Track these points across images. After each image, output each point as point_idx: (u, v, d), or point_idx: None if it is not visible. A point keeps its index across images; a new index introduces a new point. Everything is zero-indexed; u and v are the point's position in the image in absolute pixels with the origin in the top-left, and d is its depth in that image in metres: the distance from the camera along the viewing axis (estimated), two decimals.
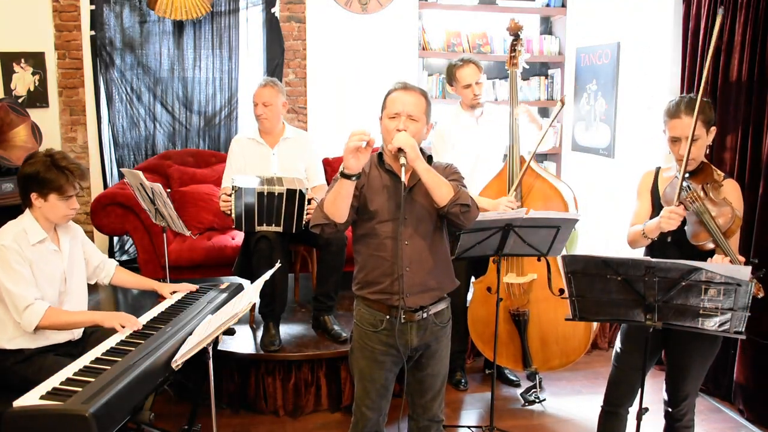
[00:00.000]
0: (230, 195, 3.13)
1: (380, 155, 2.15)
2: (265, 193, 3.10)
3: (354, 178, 1.96)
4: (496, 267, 2.88)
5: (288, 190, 3.09)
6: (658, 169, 2.41)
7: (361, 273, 2.15)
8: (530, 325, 3.27)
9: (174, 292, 2.79)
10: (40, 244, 2.40)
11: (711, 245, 2.14)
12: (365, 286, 2.14)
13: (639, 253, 2.41)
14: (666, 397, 2.41)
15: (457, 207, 2.03)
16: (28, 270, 2.32)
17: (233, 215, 3.14)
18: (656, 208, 2.35)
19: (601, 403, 2.48)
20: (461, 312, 3.38)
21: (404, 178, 1.99)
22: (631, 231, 2.41)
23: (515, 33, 3.31)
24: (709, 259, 2.10)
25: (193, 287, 2.82)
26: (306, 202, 3.13)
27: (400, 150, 1.98)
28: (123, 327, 2.37)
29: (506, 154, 3.32)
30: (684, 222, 2.19)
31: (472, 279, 3.49)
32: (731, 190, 2.21)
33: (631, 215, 2.46)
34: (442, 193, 2.02)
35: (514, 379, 3.60)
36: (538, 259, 2.89)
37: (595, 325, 3.27)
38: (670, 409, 2.39)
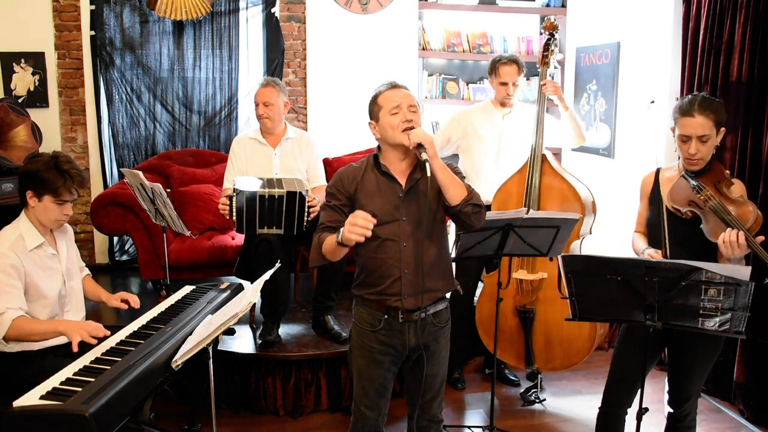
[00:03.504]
0: (231, 198, 3.11)
1: (376, 157, 2.15)
2: (266, 197, 3.09)
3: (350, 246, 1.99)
4: (505, 264, 2.85)
5: (288, 192, 3.08)
6: (658, 171, 2.40)
7: (361, 275, 2.15)
8: (536, 323, 3.27)
9: (124, 300, 2.62)
10: (37, 249, 2.38)
11: None
12: (364, 286, 2.14)
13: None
14: (668, 398, 2.40)
15: (469, 207, 2.02)
16: (15, 281, 2.26)
17: (234, 218, 3.13)
18: (653, 210, 2.35)
19: (599, 405, 2.48)
20: (467, 310, 3.38)
21: (429, 171, 1.94)
22: (635, 242, 2.44)
23: (551, 32, 3.30)
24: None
25: (136, 303, 2.61)
26: (306, 204, 3.13)
27: (420, 146, 1.97)
28: (83, 338, 2.20)
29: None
30: (696, 221, 2.18)
31: (483, 274, 3.49)
32: (740, 189, 2.20)
33: (635, 218, 2.49)
34: (456, 192, 2.00)
35: (514, 378, 3.60)
36: (550, 259, 2.89)
37: (599, 330, 3.26)
38: (672, 410, 2.38)
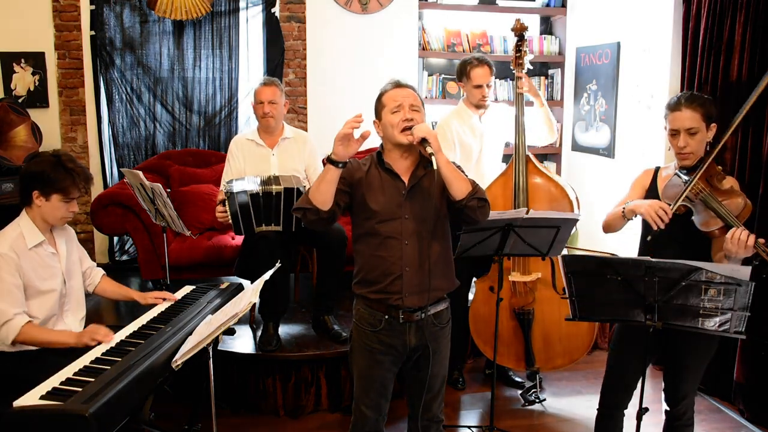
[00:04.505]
0: (225, 204, 3.10)
1: (380, 154, 2.15)
2: (261, 193, 3.08)
3: (340, 166, 1.97)
4: (498, 266, 2.88)
5: (285, 189, 3.08)
6: (657, 169, 2.42)
7: (361, 272, 2.15)
8: (534, 323, 3.27)
9: (153, 304, 2.70)
10: (37, 247, 2.38)
11: (719, 233, 2.13)
12: (364, 285, 2.14)
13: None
14: (665, 396, 2.41)
15: (475, 201, 2.03)
16: (18, 281, 2.29)
17: (231, 221, 3.12)
18: None
19: (597, 405, 2.48)
20: (461, 311, 3.38)
21: (434, 164, 1.94)
22: (611, 212, 2.40)
23: (520, 34, 3.31)
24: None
25: (173, 299, 2.74)
26: None
27: (424, 140, 1.98)
28: (96, 342, 2.27)
29: (510, 153, 3.33)
30: (690, 213, 2.19)
31: (474, 279, 3.49)
32: (731, 182, 2.22)
33: (616, 203, 2.45)
34: (461, 186, 2.01)
35: (520, 380, 3.57)
36: (543, 258, 2.89)
37: (597, 323, 3.28)
38: (669, 408, 2.39)
